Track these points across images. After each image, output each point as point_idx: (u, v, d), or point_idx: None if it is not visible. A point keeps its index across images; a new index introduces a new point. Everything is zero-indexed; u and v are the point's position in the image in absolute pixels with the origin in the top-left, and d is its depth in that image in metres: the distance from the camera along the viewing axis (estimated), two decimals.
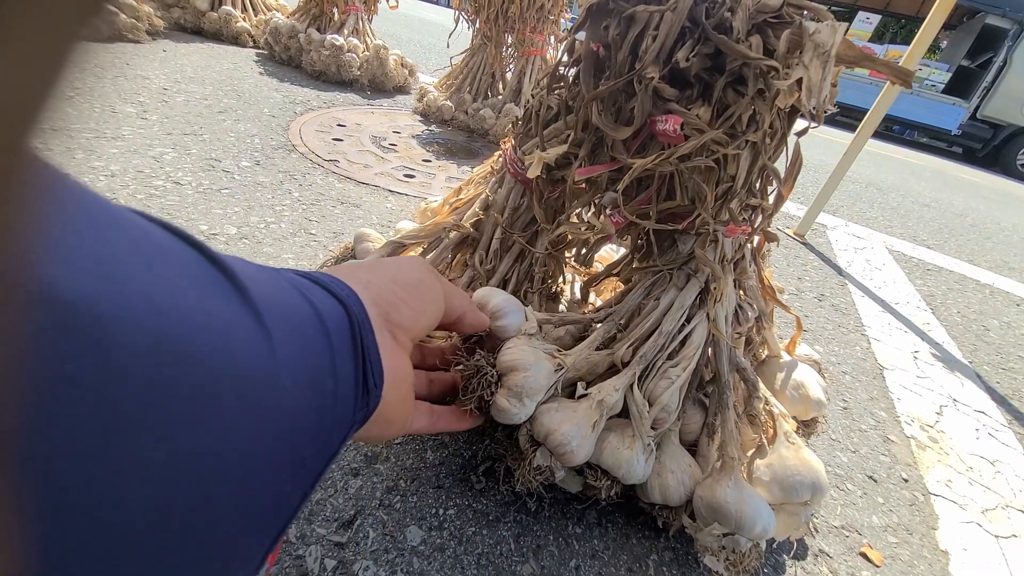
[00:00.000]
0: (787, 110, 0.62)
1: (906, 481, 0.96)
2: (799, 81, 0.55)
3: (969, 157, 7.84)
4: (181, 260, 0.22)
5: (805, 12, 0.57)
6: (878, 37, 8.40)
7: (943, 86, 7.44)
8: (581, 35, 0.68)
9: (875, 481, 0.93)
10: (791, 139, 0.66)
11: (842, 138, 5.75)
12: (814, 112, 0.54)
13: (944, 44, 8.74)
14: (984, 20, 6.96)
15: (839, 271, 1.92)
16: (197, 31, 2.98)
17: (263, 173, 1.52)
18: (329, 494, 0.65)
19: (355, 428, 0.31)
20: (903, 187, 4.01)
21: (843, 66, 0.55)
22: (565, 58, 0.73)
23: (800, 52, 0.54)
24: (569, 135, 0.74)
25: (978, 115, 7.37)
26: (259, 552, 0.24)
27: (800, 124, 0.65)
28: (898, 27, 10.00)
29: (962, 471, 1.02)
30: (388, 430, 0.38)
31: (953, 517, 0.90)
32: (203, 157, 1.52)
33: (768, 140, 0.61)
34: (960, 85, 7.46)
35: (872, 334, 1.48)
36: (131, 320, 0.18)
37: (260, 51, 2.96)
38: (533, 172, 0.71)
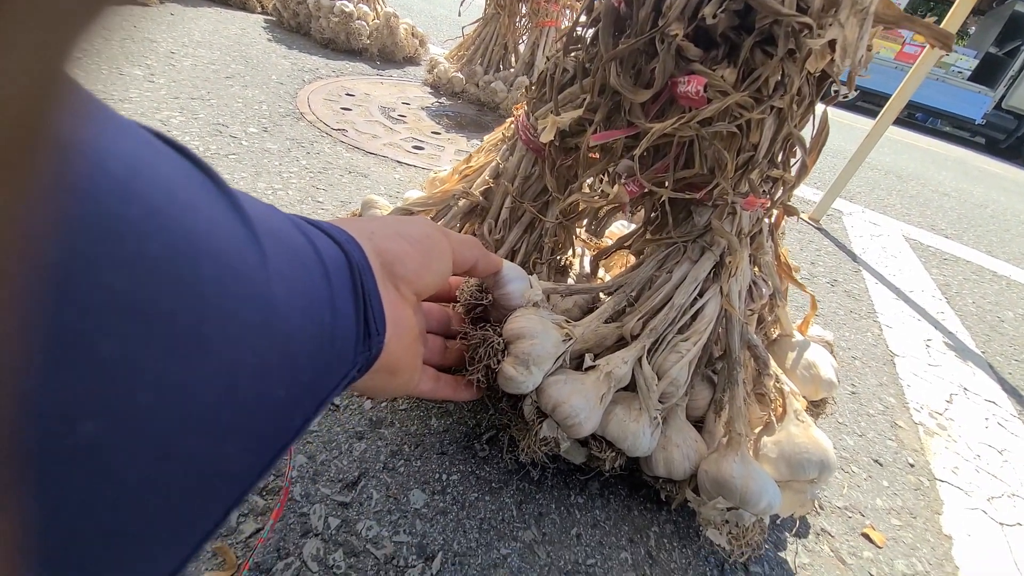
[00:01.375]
0: (816, 75, 0.59)
1: (912, 466, 0.95)
2: (832, 43, 0.52)
3: (992, 148, 7.60)
4: (191, 176, 0.21)
5: None
6: None
7: (969, 73, 7.18)
8: None
9: (881, 465, 0.92)
10: (818, 108, 0.63)
11: (861, 123, 5.58)
12: (846, 77, 0.51)
13: (972, 30, 8.40)
14: (1014, 6, 6.67)
15: (854, 257, 1.88)
16: None
17: (271, 140, 1.50)
18: (334, 455, 0.65)
19: (357, 371, 0.30)
20: (923, 176, 3.91)
21: (881, 26, 0.52)
22: (583, 18, 0.70)
23: (836, 10, 0.51)
24: (585, 99, 0.71)
25: (1003, 105, 7.13)
26: (250, 471, 0.23)
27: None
28: (927, 8, 9.62)
29: (969, 459, 1.01)
30: (392, 383, 0.37)
31: (958, 503, 0.89)
32: (210, 122, 1.50)
33: (795, 106, 0.58)
34: (987, 73, 7.19)
35: (884, 321, 1.46)
36: (158, 223, 0.18)
37: (268, 17, 2.89)
38: (546, 137, 0.69)
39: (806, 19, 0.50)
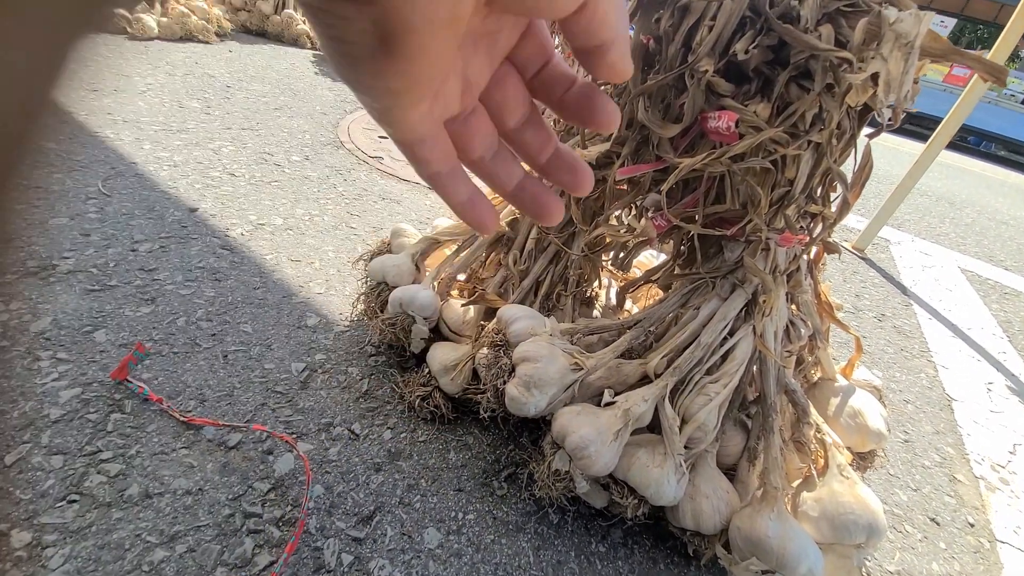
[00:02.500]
0: (858, 108, 0.56)
1: (972, 526, 0.86)
2: (874, 76, 0.50)
3: None
4: None
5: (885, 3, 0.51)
6: (954, 41, 7.78)
7: (1023, 96, 6.80)
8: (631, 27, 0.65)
9: (938, 524, 0.84)
10: (860, 140, 0.60)
11: (907, 146, 5.34)
12: (892, 110, 0.49)
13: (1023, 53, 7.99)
14: None
15: (903, 290, 1.77)
16: (261, 33, 3.14)
17: (311, 167, 1.57)
18: (351, 487, 0.64)
19: None
20: (978, 202, 3.67)
21: (927, 60, 0.50)
22: None
23: (878, 44, 0.48)
24: (612, 133, 0.71)
25: None
26: None
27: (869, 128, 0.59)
28: (974, 33, 9.23)
29: None
30: (397, 75, 0.18)
31: (1019, 566, 0.80)
32: (257, 151, 1.59)
33: (835, 141, 0.55)
34: None
35: (940, 361, 1.35)
36: None
37: (317, 52, 3.08)
38: None
39: (845, 54, 0.48)
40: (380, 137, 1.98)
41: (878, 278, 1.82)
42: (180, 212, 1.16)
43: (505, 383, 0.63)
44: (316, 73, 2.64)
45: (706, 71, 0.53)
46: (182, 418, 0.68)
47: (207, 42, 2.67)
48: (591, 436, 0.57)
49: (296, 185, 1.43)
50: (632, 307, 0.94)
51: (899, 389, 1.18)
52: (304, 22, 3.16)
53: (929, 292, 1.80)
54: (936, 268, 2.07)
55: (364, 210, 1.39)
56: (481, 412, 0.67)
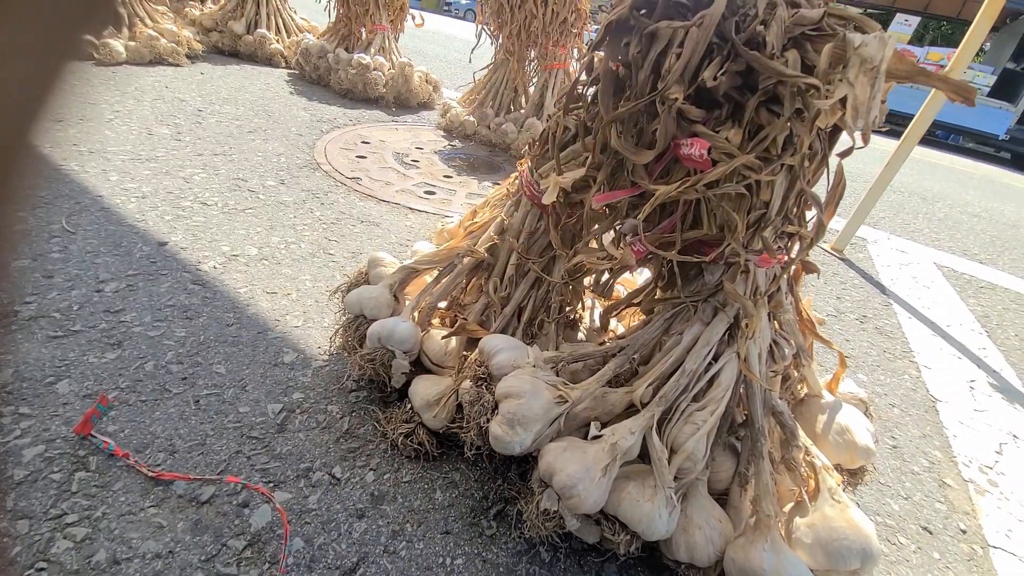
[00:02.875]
0: (828, 129, 0.56)
1: (964, 533, 0.86)
2: (843, 99, 0.49)
3: (1018, 163, 7.35)
4: None
5: (849, 23, 0.51)
6: (918, 39, 8.04)
7: (988, 89, 7.05)
8: (601, 52, 0.64)
9: (931, 533, 0.84)
10: (832, 160, 0.60)
11: (880, 143, 5.48)
12: (861, 132, 0.48)
13: (987, 46, 8.29)
14: None
15: (882, 289, 1.79)
16: (234, 53, 3.10)
17: (287, 192, 1.54)
18: (332, 537, 0.62)
19: None
20: (950, 196, 3.78)
21: (894, 81, 0.50)
22: (583, 76, 0.70)
23: (844, 67, 0.48)
24: (587, 158, 0.70)
25: None
26: None
27: (842, 142, 0.59)
28: (938, 29, 9.57)
29: (1023, 518, 0.91)
30: None
31: (1012, 572, 0.80)
32: (230, 177, 1.55)
33: (807, 163, 0.55)
34: (1006, 88, 7.05)
35: (922, 361, 1.37)
36: None
37: (291, 71, 3.04)
38: (548, 198, 0.67)
39: (812, 80, 0.48)
40: (358, 157, 1.96)
41: (858, 279, 1.85)
42: (149, 247, 1.12)
43: (489, 421, 0.61)
44: (291, 93, 2.61)
45: (676, 98, 0.52)
46: (150, 473, 0.65)
47: (178, 65, 2.62)
48: (579, 474, 0.56)
49: (271, 211, 1.40)
50: (617, 325, 0.93)
51: (884, 392, 1.19)
52: (278, 40, 3.13)
53: (907, 290, 1.83)
54: (913, 265, 2.11)
55: (342, 235, 1.37)
56: (466, 451, 0.64)
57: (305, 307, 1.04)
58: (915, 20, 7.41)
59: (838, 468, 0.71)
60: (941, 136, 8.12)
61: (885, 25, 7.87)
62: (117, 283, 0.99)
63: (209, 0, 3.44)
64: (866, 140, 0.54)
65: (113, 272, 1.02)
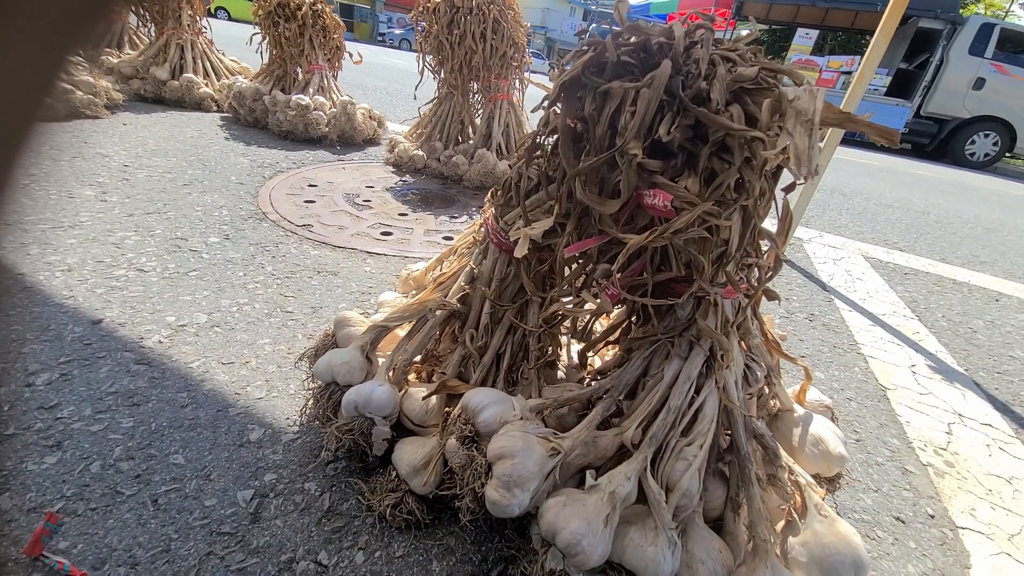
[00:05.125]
0: (772, 171, 0.60)
1: (932, 517, 0.92)
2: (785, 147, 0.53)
3: (919, 152, 8.25)
4: None
5: (780, 76, 0.56)
6: (819, 49, 8.91)
7: (884, 89, 7.90)
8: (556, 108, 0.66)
9: (903, 523, 0.89)
10: (778, 194, 0.65)
11: None
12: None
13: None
14: (918, 24, 7.47)
15: (823, 286, 1.93)
16: (158, 100, 2.95)
17: (233, 248, 1.46)
18: None
19: None
20: (865, 190, 4.15)
21: (828, 128, 0.54)
22: (542, 128, 0.71)
23: (782, 117, 0.52)
24: (552, 205, 0.71)
25: (922, 112, 7.82)
26: None
27: (784, 177, 0.63)
28: (836, 39, 10.70)
29: (982, 495, 0.99)
30: None
31: (983, 550, 0.86)
32: (168, 237, 1.46)
33: (759, 203, 0.59)
34: (901, 86, 7.92)
35: (867, 352, 1.47)
36: None
37: (225, 115, 2.93)
38: (520, 251, 0.68)
39: (757, 133, 0.51)
40: (306, 202, 1.90)
41: (800, 278, 1.98)
42: (81, 327, 1.02)
43: (484, 485, 0.60)
44: (227, 138, 2.50)
45: (636, 155, 0.54)
46: None
47: (96, 117, 2.46)
48: (582, 530, 0.55)
49: (218, 271, 1.32)
50: (593, 357, 0.94)
51: (840, 388, 1.27)
52: (207, 84, 3.01)
53: (844, 284, 1.98)
54: (845, 260, 2.28)
55: (299, 289, 1.31)
56: (462, 519, 0.62)
57: (267, 375, 0.98)
58: (814, 33, 8.20)
59: (816, 477, 0.75)
60: (849, 134, 8.98)
61: (788, 38, 8.67)
62: (49, 374, 0.90)
63: (127, 46, 3.28)
64: (808, 179, 0.59)
65: (43, 361, 0.92)
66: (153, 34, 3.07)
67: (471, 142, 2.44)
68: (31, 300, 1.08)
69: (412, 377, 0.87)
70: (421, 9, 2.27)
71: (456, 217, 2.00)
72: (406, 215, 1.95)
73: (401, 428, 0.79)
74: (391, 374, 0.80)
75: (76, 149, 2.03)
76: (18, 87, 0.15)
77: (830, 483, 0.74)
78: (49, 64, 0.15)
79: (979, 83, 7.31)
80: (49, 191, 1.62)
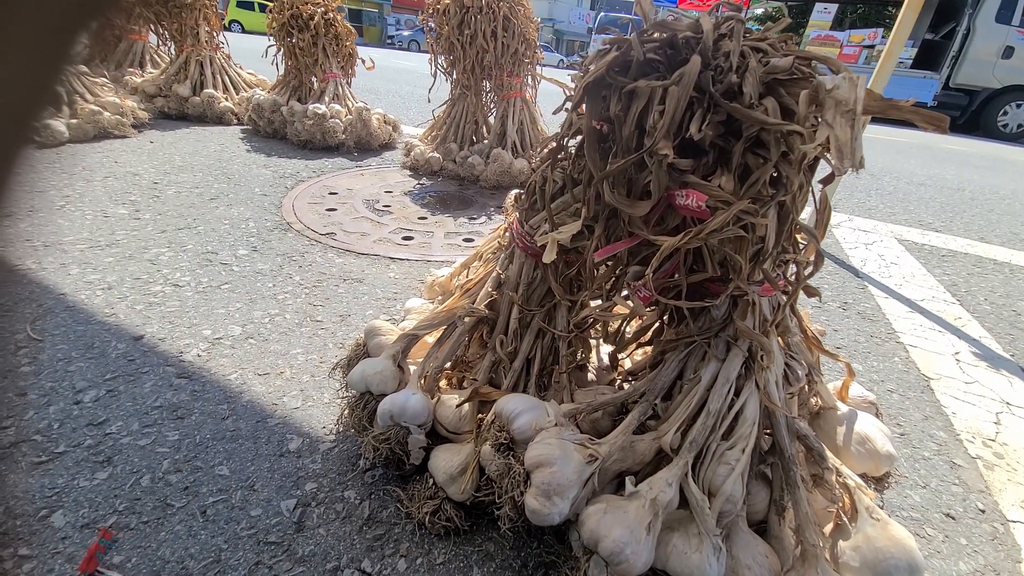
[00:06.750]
0: (809, 163, 0.58)
1: (983, 512, 0.88)
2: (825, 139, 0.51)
3: (950, 125, 7.92)
4: None
5: (817, 64, 0.54)
6: (838, 23, 8.58)
7: (911, 61, 7.57)
8: (579, 108, 0.65)
9: (953, 519, 0.86)
10: (815, 185, 0.62)
11: None
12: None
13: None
14: None
15: (856, 272, 1.87)
16: (182, 116, 3.03)
17: (261, 259, 1.49)
18: None
19: None
20: (894, 168, 4.00)
21: (870, 116, 0.52)
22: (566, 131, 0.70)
23: (820, 108, 0.50)
24: (577, 208, 0.71)
25: (951, 84, 7.48)
26: None
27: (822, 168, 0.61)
28: (855, 12, 10.28)
29: None
30: None
31: None
32: (199, 252, 1.50)
33: (797, 198, 0.57)
34: (928, 58, 7.58)
35: (907, 340, 1.42)
36: None
37: (245, 127, 2.99)
38: (548, 257, 0.67)
39: (794, 127, 0.49)
40: (328, 210, 1.93)
41: (831, 265, 1.92)
42: (124, 343, 1.06)
43: (523, 493, 0.60)
44: (248, 151, 2.56)
45: (666, 155, 0.53)
46: None
47: (125, 136, 2.54)
48: (625, 538, 0.55)
49: (249, 283, 1.35)
50: (624, 359, 0.93)
51: (880, 379, 1.23)
52: (227, 98, 3.08)
53: (877, 269, 1.91)
54: (877, 244, 2.20)
55: (327, 297, 1.33)
56: (501, 527, 0.62)
57: (302, 384, 1.01)
58: (833, 7, 7.91)
59: (864, 477, 0.72)
60: None
61: (806, 14, 8.37)
62: (96, 391, 0.93)
63: (149, 65, 3.37)
64: (854, 171, 0.57)
65: (90, 379, 0.96)
66: (173, 52, 3.15)
67: (486, 142, 2.44)
68: (74, 319, 1.13)
69: (443, 384, 0.87)
70: (431, 11, 2.27)
71: (475, 218, 2.00)
72: (425, 218, 1.96)
73: (436, 435, 0.80)
74: (423, 382, 0.80)
75: (108, 169, 2.10)
76: (16, 82, 0.16)
77: (878, 483, 0.72)
78: (46, 58, 0.16)
79: (1008, 51, 6.96)
80: (85, 211, 1.68)
